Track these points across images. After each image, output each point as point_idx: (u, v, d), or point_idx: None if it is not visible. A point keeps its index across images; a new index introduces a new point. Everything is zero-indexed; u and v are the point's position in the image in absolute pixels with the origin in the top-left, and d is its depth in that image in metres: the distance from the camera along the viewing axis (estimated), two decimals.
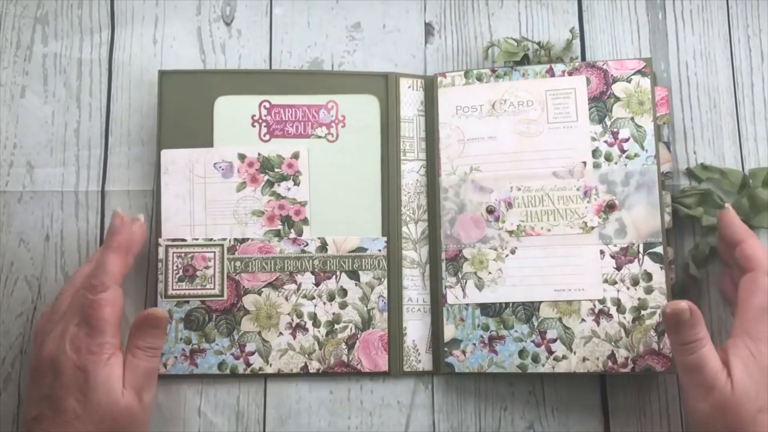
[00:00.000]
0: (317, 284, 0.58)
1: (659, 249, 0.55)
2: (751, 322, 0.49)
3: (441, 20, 0.64)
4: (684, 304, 0.48)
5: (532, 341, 0.55)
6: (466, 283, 0.57)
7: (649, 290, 0.55)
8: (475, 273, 0.57)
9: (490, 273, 0.57)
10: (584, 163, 0.57)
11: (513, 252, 0.57)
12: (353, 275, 0.58)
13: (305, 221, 0.59)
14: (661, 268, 0.55)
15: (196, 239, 0.58)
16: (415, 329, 0.58)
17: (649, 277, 0.55)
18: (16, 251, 0.59)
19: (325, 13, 0.64)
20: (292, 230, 0.58)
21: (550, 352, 0.55)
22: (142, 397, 0.51)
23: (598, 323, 0.55)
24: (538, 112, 0.58)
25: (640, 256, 0.55)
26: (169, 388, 0.57)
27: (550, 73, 0.59)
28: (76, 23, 0.63)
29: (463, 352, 0.56)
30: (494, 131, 0.58)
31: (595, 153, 0.57)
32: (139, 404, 0.50)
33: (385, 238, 0.58)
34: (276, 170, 0.59)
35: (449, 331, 0.57)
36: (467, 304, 0.57)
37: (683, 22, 0.63)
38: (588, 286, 0.55)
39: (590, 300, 0.55)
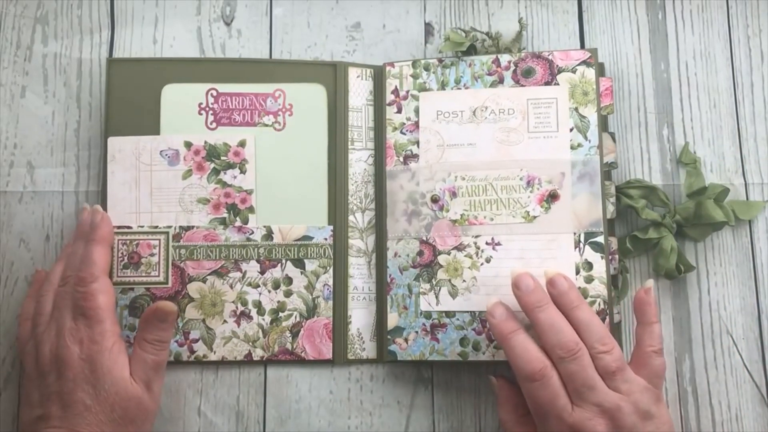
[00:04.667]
0: (262, 272, 0.58)
1: (600, 239, 0.55)
2: (539, 426, 0.51)
3: (441, 20, 0.63)
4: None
5: (473, 329, 0.56)
6: (440, 290, 0.57)
7: (589, 279, 0.55)
8: (450, 281, 0.57)
9: (464, 281, 0.57)
10: (563, 173, 0.56)
11: (488, 261, 0.57)
12: (299, 263, 0.58)
13: (251, 209, 0.59)
14: (602, 257, 0.55)
15: (142, 226, 0.58)
16: (360, 318, 0.59)
17: (589, 266, 0.55)
18: (16, 251, 0.59)
19: (325, 13, 0.64)
20: (237, 218, 0.58)
21: (491, 340, 0.56)
22: (151, 387, 0.51)
23: None
24: (519, 120, 0.58)
25: (581, 245, 0.55)
26: (169, 388, 0.58)
27: (496, 63, 0.59)
28: (76, 23, 0.63)
29: (406, 340, 0.57)
30: (474, 138, 0.58)
31: None
32: (149, 395, 0.51)
33: (332, 227, 0.59)
34: (222, 158, 0.59)
35: (392, 320, 0.57)
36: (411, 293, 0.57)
37: (683, 22, 0.63)
38: None
39: None
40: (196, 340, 0.57)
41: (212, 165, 0.59)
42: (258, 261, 0.58)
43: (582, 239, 0.56)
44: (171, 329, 0.53)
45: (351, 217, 0.59)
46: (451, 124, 0.58)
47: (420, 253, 0.57)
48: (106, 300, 0.51)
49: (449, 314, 0.56)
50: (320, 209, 0.59)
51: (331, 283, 0.58)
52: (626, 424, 0.48)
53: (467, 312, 0.56)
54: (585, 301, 0.52)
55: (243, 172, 0.59)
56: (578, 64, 0.58)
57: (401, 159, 0.59)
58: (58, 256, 0.57)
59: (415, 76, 0.59)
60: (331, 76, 0.60)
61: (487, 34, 0.61)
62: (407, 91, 0.59)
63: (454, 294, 0.57)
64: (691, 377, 0.58)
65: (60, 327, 0.51)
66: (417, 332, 0.56)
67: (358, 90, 0.61)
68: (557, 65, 0.58)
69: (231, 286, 0.58)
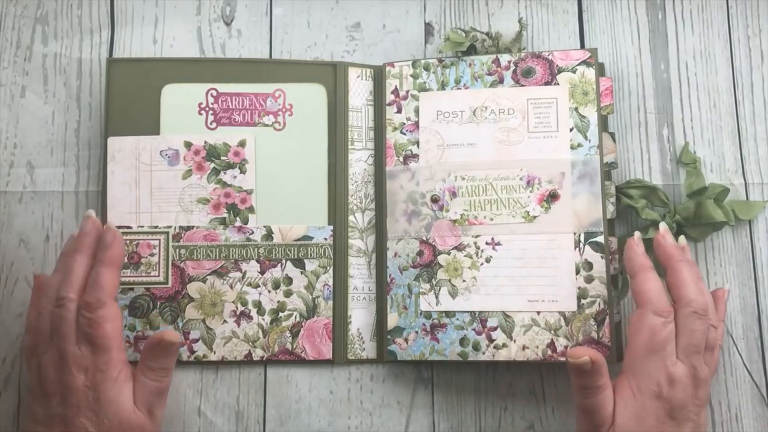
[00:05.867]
0: (262, 272, 0.58)
1: (600, 238, 0.55)
2: (635, 360, 0.50)
3: (441, 20, 0.63)
4: (586, 356, 0.50)
5: (473, 329, 0.56)
6: (440, 290, 0.57)
7: (589, 279, 0.55)
8: (450, 281, 0.57)
9: (464, 281, 0.57)
10: (563, 173, 0.56)
11: (488, 260, 0.57)
12: (299, 263, 0.58)
13: (251, 209, 0.59)
14: (602, 257, 0.55)
15: (142, 226, 0.58)
16: (360, 317, 0.59)
17: (589, 266, 0.55)
18: (16, 251, 0.59)
19: (325, 13, 0.64)
20: (237, 218, 0.58)
21: (491, 340, 0.56)
22: (153, 413, 0.51)
23: (538, 312, 0.55)
24: (519, 120, 0.58)
25: (581, 245, 0.55)
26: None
27: (497, 63, 0.59)
28: (76, 23, 0.63)
29: (406, 340, 0.57)
30: (474, 138, 0.58)
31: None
32: (150, 421, 0.51)
33: (332, 227, 0.59)
34: (222, 158, 0.59)
35: (392, 320, 0.57)
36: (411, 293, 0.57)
37: (683, 22, 0.63)
38: (562, 298, 0.55)
39: (561, 312, 0.55)
40: (196, 340, 0.57)
41: (212, 165, 0.59)
42: (258, 261, 0.58)
43: (582, 239, 0.56)
44: (174, 357, 0.51)
45: (351, 217, 0.59)
46: (451, 124, 0.58)
47: (420, 253, 0.57)
48: (113, 327, 0.50)
49: (449, 314, 0.56)
50: (320, 209, 0.59)
51: (331, 283, 0.58)
52: (700, 398, 0.50)
53: (467, 312, 0.56)
54: None
55: (243, 172, 0.59)
56: (578, 64, 0.58)
57: (401, 159, 0.59)
58: (56, 265, 0.53)
59: (415, 76, 0.59)
60: (331, 76, 0.60)
61: (487, 34, 0.61)
62: (407, 91, 0.59)
63: (454, 294, 0.56)
64: None
65: (63, 353, 0.49)
66: (417, 332, 0.56)
67: (358, 90, 0.61)
68: (557, 65, 0.58)
69: (231, 286, 0.58)
